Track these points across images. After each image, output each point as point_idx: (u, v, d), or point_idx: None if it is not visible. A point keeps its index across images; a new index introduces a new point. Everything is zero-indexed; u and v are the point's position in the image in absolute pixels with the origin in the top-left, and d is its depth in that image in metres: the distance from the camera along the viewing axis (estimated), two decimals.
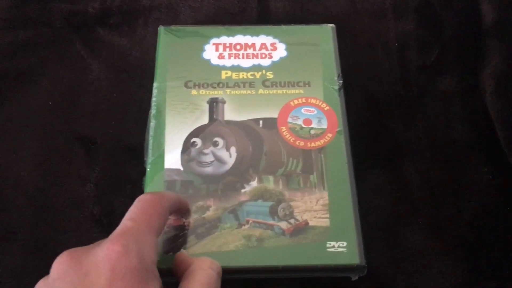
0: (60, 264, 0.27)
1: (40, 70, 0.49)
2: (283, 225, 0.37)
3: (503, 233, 0.42)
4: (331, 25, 0.47)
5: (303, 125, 0.41)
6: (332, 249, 0.36)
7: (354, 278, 0.37)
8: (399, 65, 0.50)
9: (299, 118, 0.42)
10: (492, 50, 0.50)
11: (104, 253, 0.27)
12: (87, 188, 0.43)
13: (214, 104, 0.42)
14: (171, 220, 0.37)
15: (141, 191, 0.41)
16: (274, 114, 0.42)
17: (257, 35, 0.46)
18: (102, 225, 0.42)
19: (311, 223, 0.37)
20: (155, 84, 0.43)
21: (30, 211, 0.42)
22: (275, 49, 0.45)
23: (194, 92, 0.43)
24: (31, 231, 0.42)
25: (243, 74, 0.44)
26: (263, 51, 0.45)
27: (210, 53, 0.45)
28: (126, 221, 0.30)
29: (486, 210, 0.43)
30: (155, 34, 0.47)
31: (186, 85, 0.43)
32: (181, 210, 0.36)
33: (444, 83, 0.49)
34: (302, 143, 0.41)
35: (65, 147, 0.45)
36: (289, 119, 0.42)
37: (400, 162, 0.45)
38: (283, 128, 0.41)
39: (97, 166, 0.44)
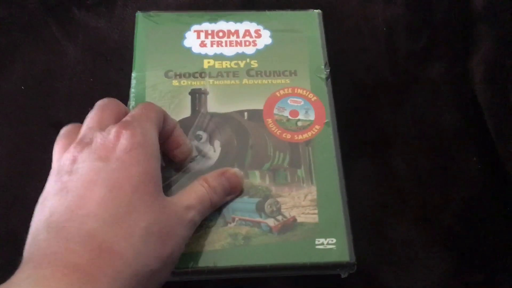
0: (71, 154, 0.30)
1: (13, 53, 0.47)
2: (271, 222, 0.36)
3: (492, 223, 0.42)
4: (317, 10, 0.45)
5: (290, 117, 0.40)
6: (321, 246, 0.35)
7: (344, 275, 0.36)
8: (388, 51, 0.49)
9: (285, 110, 0.40)
10: (482, 36, 0.50)
11: (113, 136, 0.29)
12: None
13: (196, 96, 0.40)
14: None
15: None
16: (260, 106, 0.40)
17: (241, 21, 0.44)
18: None
19: (299, 220, 0.36)
20: (133, 74, 0.41)
21: (2, 201, 0.41)
22: (259, 36, 0.43)
23: (175, 82, 0.41)
24: (3, 222, 0.40)
25: (226, 63, 0.42)
26: (247, 38, 0.43)
27: (191, 40, 0.43)
28: (126, 117, 0.32)
29: (474, 200, 0.43)
30: (134, 15, 0.45)
31: (166, 75, 0.41)
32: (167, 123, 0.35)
33: (433, 69, 0.49)
34: (289, 136, 0.39)
35: (39, 134, 0.44)
36: (275, 111, 0.40)
37: (387, 151, 0.45)
38: (269, 120, 0.40)
39: None
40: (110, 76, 0.46)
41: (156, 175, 0.30)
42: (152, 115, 0.32)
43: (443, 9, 0.51)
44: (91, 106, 0.44)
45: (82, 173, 0.28)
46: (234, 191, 0.36)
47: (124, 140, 0.29)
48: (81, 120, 0.43)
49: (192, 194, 0.33)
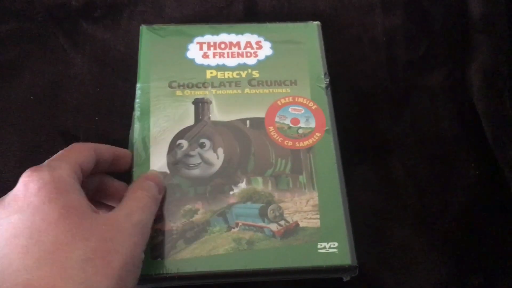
0: None
1: (22, 64, 0.48)
2: (273, 227, 0.36)
3: (490, 228, 0.43)
4: (316, 22, 0.46)
5: (291, 125, 0.41)
6: (324, 250, 0.36)
7: (346, 278, 0.36)
8: (387, 60, 0.50)
9: (286, 118, 0.41)
10: (480, 44, 0.50)
11: (21, 184, 0.29)
12: None
13: (199, 105, 0.41)
14: (159, 225, 0.36)
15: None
16: (261, 114, 0.41)
17: (242, 33, 0.45)
18: None
19: (301, 224, 0.37)
20: (138, 85, 0.42)
21: None
22: (260, 47, 0.44)
23: (178, 92, 0.42)
24: None
25: (228, 73, 0.43)
26: (248, 49, 0.44)
27: (194, 52, 0.44)
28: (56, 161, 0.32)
29: (472, 206, 0.43)
30: (139, 28, 0.45)
31: (170, 86, 0.42)
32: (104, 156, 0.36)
33: (431, 78, 0.49)
34: (290, 143, 0.40)
35: (47, 143, 0.44)
36: (277, 119, 0.41)
37: (387, 158, 0.45)
38: (271, 128, 0.41)
39: None
40: (116, 86, 0.47)
41: (76, 204, 0.29)
42: (70, 154, 0.32)
43: (441, 19, 0.52)
44: (97, 115, 0.45)
45: (1, 231, 0.28)
46: (161, 187, 0.37)
47: (31, 183, 0.29)
48: (87, 129, 0.45)
49: (127, 199, 0.33)
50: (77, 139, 0.44)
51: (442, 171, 0.45)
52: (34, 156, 0.44)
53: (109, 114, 0.46)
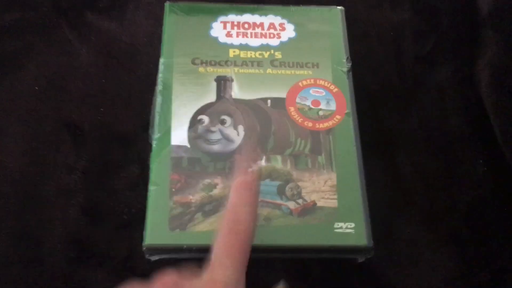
0: None
1: (27, 55, 0.47)
2: (291, 205, 0.37)
3: (497, 225, 0.42)
4: (340, 7, 0.47)
5: (312, 106, 0.41)
6: (340, 230, 0.36)
7: (361, 259, 0.37)
8: (394, 55, 0.50)
9: (307, 99, 0.41)
10: (488, 40, 0.50)
11: None
12: (74, 176, 0.42)
13: (221, 82, 0.41)
14: (178, 197, 0.36)
15: (129, 181, 0.41)
16: (283, 94, 0.41)
17: (266, 14, 0.45)
18: (89, 214, 0.40)
19: (319, 204, 0.37)
20: (161, 60, 0.42)
21: (16, 199, 0.41)
22: (283, 29, 0.45)
23: (201, 69, 0.42)
24: (17, 219, 0.40)
25: (251, 53, 0.43)
26: (272, 31, 0.45)
27: (217, 31, 0.44)
28: (223, 260, 0.28)
29: (480, 202, 0.43)
30: (145, 19, 0.45)
31: (193, 62, 0.42)
32: None
33: (439, 74, 0.49)
34: (310, 124, 0.40)
35: (52, 134, 0.44)
36: (298, 100, 0.41)
37: (394, 154, 0.45)
38: (292, 108, 0.41)
39: (84, 153, 0.43)
40: (121, 78, 0.47)
41: None
42: (239, 255, 0.28)
43: (449, 14, 0.52)
44: (102, 106, 0.45)
45: None
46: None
47: None
48: (92, 121, 0.44)
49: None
50: (81, 130, 0.44)
51: (449, 167, 0.44)
52: (38, 147, 0.43)
53: (114, 105, 0.45)
